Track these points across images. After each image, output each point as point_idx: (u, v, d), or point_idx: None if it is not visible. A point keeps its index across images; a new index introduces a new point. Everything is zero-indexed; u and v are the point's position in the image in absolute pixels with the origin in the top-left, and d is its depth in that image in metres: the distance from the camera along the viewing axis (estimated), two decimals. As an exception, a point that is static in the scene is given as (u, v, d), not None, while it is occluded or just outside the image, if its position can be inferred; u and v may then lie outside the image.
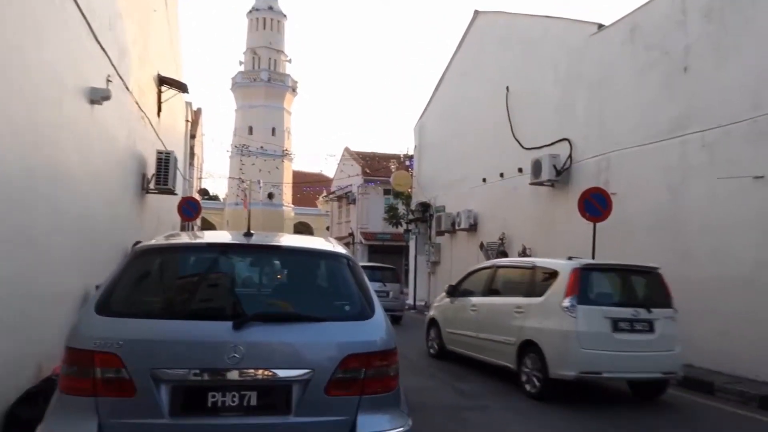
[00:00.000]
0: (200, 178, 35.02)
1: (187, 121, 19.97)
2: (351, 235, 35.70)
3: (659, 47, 10.28)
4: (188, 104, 20.09)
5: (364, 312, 3.18)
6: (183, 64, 18.31)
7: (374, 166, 33.79)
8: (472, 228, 17.34)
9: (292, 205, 51.35)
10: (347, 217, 37.58)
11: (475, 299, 8.77)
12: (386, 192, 32.04)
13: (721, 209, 8.88)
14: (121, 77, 8.74)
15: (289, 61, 51.30)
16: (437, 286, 19.92)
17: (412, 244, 22.60)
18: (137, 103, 10.21)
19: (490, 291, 8.61)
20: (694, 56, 9.56)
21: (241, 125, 48.01)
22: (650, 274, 7.50)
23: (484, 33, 17.66)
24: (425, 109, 22.11)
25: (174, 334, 2.91)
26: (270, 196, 47.32)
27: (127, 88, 9.26)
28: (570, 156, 12.66)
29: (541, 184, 13.21)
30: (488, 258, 16.03)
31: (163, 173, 10.73)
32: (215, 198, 54.10)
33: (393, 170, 27.25)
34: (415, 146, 23.06)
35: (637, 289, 7.51)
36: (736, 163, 8.61)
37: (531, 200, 14.14)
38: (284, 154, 47.09)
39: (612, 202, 10.31)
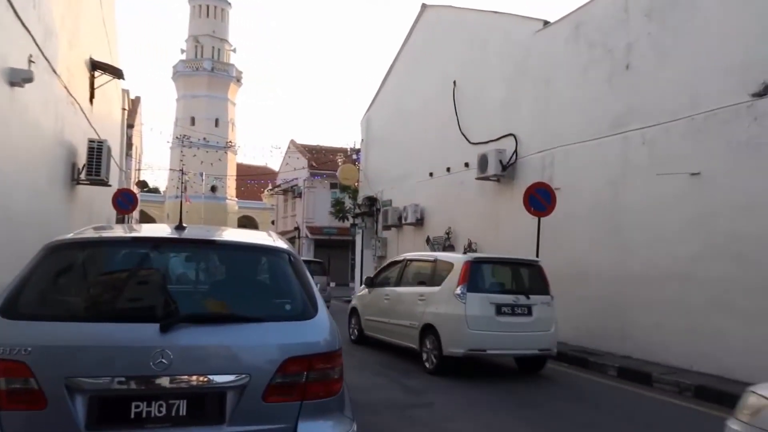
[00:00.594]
0: (139, 169, 33.73)
1: (123, 109, 19.09)
2: (297, 229, 35.21)
3: (602, 45, 10.46)
4: (125, 92, 19.21)
5: (306, 311, 2.96)
6: (119, 49, 17.47)
7: (321, 160, 33.40)
8: (419, 222, 17.31)
9: (236, 199, 50.20)
10: (293, 210, 37.03)
11: (388, 289, 9.80)
12: (333, 186, 31.73)
13: (658, 205, 9.10)
14: (47, 59, 8.16)
15: (234, 50, 50.01)
16: (383, 280, 19.85)
17: (358, 239, 22.44)
18: (66, 88, 9.59)
19: (401, 281, 9.63)
20: (635, 54, 9.75)
21: (183, 115, 46.46)
22: (532, 266, 8.74)
23: (432, 27, 17.62)
24: (372, 102, 21.93)
25: (92, 338, 2.61)
26: (213, 188, 46.07)
27: (54, 71, 8.67)
28: (516, 151, 12.77)
29: (487, 178, 13.27)
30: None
31: (95, 163, 10.13)
32: (156, 191, 52.33)
33: (340, 164, 26.97)
34: (362, 140, 22.86)
35: (519, 279, 8.71)
36: (674, 160, 8.84)
37: (477, 195, 14.21)
38: (228, 146, 45.87)
39: (556, 197, 10.45)
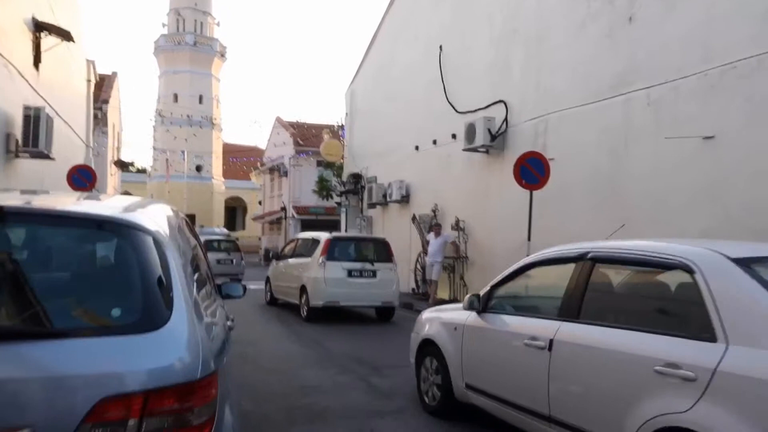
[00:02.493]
0: (118, 148, 32.41)
1: (88, 81, 17.79)
2: (283, 209, 34.08)
3: (602, -5, 9.32)
4: (90, 62, 17.90)
5: (148, 317, 1.89)
6: (81, 14, 16.14)
7: (307, 136, 32.14)
8: (404, 199, 16.28)
9: (223, 179, 48.86)
10: (279, 190, 35.85)
11: (284, 261, 12.58)
12: (319, 164, 30.54)
13: (666, 173, 8.07)
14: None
15: (218, 24, 48.10)
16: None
17: (342, 218, 21.39)
18: (-7, 46, 8.42)
19: (293, 255, 12.31)
20: (639, 4, 8.63)
21: (165, 92, 44.84)
22: (379, 242, 11.79)
23: (417, -12, 16.38)
24: (356, 73, 20.73)
25: None
26: (198, 168, 44.70)
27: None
28: (506, 119, 11.68)
29: (475, 150, 12.20)
30: (420, 231, 15.06)
31: (32, 134, 8.99)
32: (143, 171, 50.90)
33: (326, 140, 25.79)
34: (346, 114, 21.70)
35: (369, 251, 11.33)
36: (684, 122, 7.78)
37: (465, 168, 13.15)
38: (212, 124, 44.42)
39: (550, 168, 9.38)
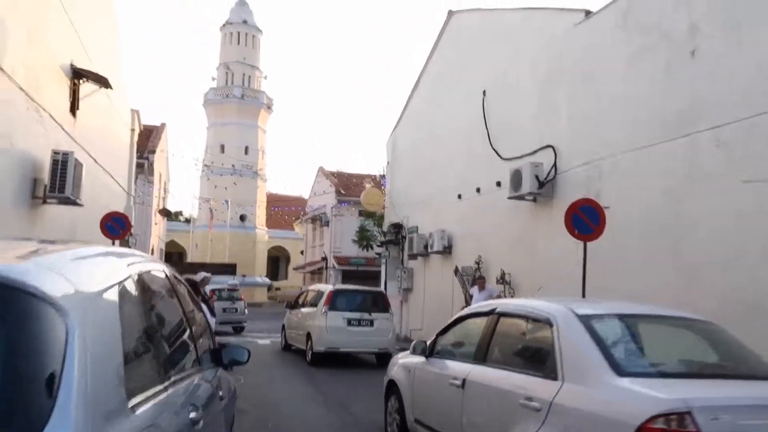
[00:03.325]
0: (164, 197, 32.93)
1: (132, 130, 17.99)
2: (324, 259, 33.62)
3: (658, 29, 8.59)
4: (134, 112, 18.15)
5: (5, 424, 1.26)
6: (121, 64, 16.42)
7: (349, 186, 31.91)
8: (446, 250, 15.47)
9: (266, 229, 49.04)
10: (321, 240, 35.51)
11: (295, 310, 14.04)
12: (361, 214, 30.11)
13: (737, 220, 7.08)
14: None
15: (265, 77, 49.33)
16: (410, 315, 17.98)
17: (383, 269, 20.65)
18: (23, 90, 8.27)
19: (304, 305, 13.62)
20: (701, 36, 7.85)
21: (212, 143, 45.81)
22: (378, 294, 13.44)
23: (459, 34, 16.05)
24: (398, 122, 20.39)
25: None
26: (242, 218, 45.02)
27: (-3, 67, 7.32)
28: (554, 165, 10.88)
29: (521, 198, 11.39)
30: (463, 284, 14.18)
31: (59, 178, 8.73)
32: (188, 221, 51.64)
33: (366, 189, 25.40)
34: (387, 162, 21.28)
35: (367, 301, 12.53)
36: (760, 163, 6.84)
37: (510, 218, 12.33)
38: (257, 174, 44.92)
39: (605, 217, 8.48)
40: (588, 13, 10.37)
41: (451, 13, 16.42)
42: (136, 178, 19.97)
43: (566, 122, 10.73)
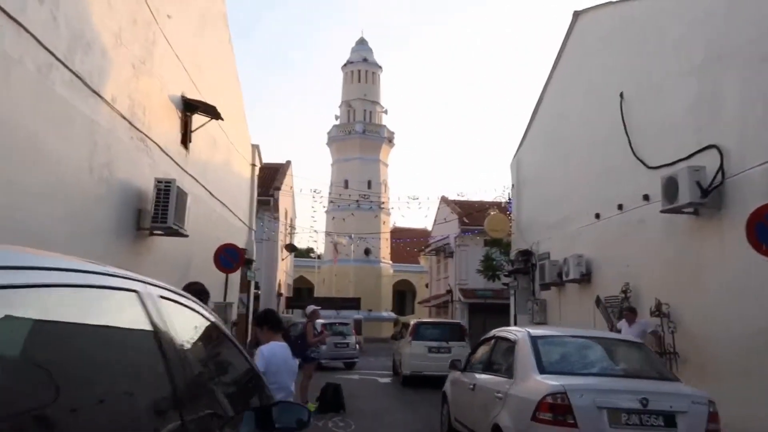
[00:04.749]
0: (290, 233, 33.61)
1: (252, 165, 18.14)
2: (449, 292, 32.17)
3: None
4: (255, 147, 18.32)
5: None
6: (240, 101, 16.60)
7: (472, 213, 30.43)
8: (585, 278, 13.56)
9: (391, 262, 48.64)
10: (445, 272, 34.16)
11: (399, 341, 17.87)
12: (486, 243, 28.45)
13: None
14: (78, 75, 6.59)
15: (385, 112, 49.79)
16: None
17: (512, 301, 18.90)
18: (125, 118, 8.07)
19: (401, 337, 17.65)
20: None
21: (336, 179, 46.64)
22: (455, 325, 17.19)
23: (586, 35, 14.38)
24: (522, 140, 18.84)
25: None
26: (366, 252, 44.99)
27: (96, 92, 7.09)
28: (721, 168, 8.85)
29: (678, 210, 9.43)
30: (608, 318, 12.18)
31: (161, 208, 8.39)
32: (319, 256, 52.70)
33: (490, 215, 23.84)
34: (512, 185, 19.69)
35: (446, 331, 15.88)
36: None
37: (664, 236, 10.34)
38: (380, 208, 44.85)
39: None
40: (756, -22, 8.44)
41: (576, 14, 14.81)
42: (259, 213, 20.12)
43: (735, 114, 8.72)
